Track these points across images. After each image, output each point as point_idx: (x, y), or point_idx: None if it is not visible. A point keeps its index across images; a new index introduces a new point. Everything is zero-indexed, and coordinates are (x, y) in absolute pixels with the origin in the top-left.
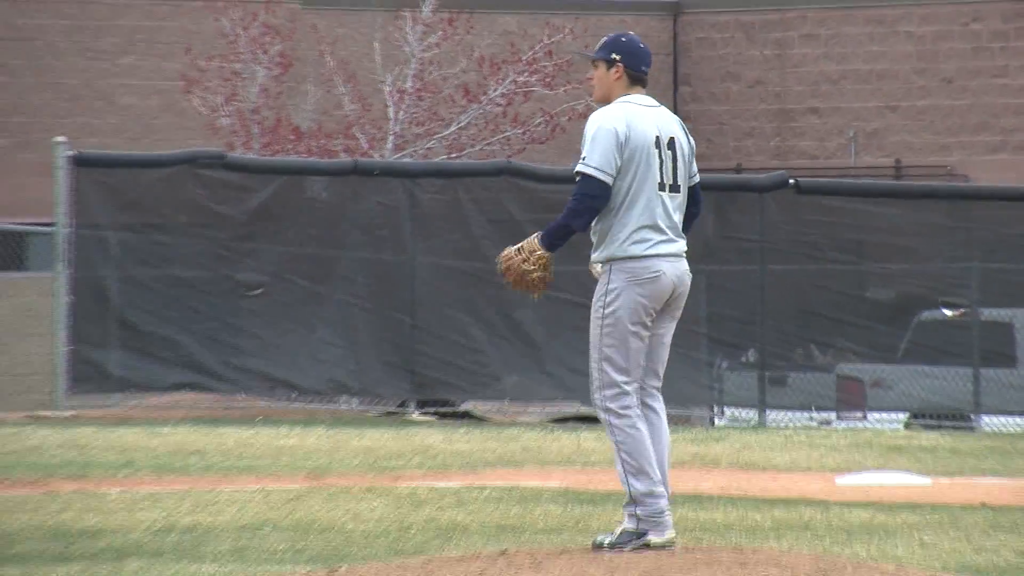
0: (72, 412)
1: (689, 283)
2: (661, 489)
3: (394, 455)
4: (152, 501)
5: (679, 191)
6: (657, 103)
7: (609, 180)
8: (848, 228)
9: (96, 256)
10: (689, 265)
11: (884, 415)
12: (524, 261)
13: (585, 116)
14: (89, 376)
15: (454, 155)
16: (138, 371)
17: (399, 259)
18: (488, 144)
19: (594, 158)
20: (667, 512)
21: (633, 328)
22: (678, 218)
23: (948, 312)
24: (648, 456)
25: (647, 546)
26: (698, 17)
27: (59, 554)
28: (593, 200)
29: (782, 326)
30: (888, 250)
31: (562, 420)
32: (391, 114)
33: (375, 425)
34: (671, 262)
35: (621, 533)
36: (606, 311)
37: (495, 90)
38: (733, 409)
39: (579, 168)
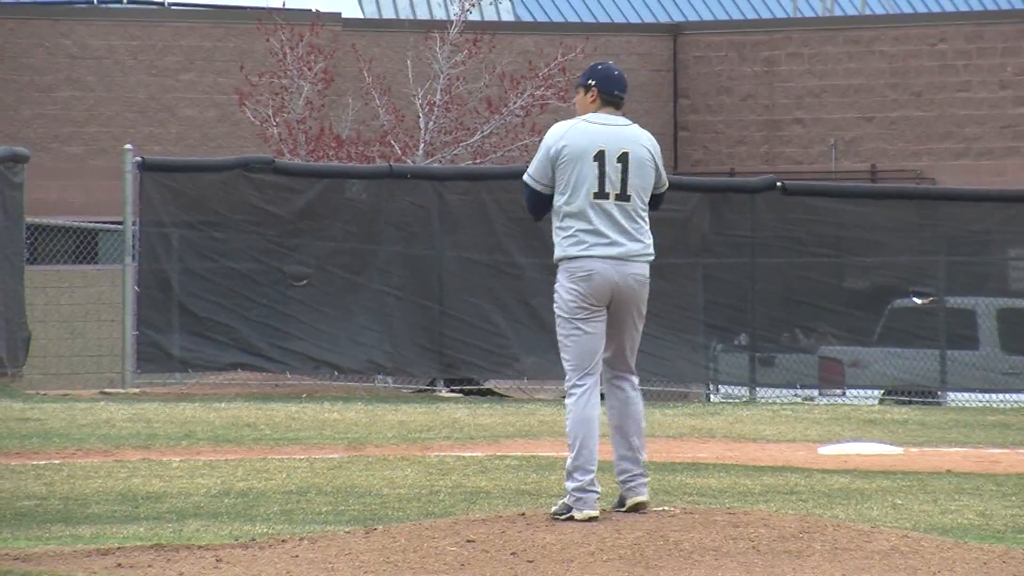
0: (138, 389)
1: (638, 285)
2: (591, 467)
3: (425, 428)
4: (210, 468)
5: (629, 199)
6: (623, 122)
7: (539, 187)
8: (829, 225)
9: (160, 250)
10: (687, 258)
11: (861, 392)
12: None
13: None
14: (153, 357)
15: (478, 161)
16: (197, 352)
17: (429, 253)
18: (509, 151)
19: (530, 168)
20: (591, 491)
21: (573, 321)
22: (629, 224)
23: (918, 300)
24: (584, 436)
25: (572, 519)
26: (695, 37)
27: (127, 515)
28: (528, 201)
29: (770, 312)
30: (864, 245)
31: None
32: (422, 124)
33: (408, 401)
34: (609, 264)
35: (560, 505)
36: (554, 306)
37: (515, 103)
38: (726, 387)
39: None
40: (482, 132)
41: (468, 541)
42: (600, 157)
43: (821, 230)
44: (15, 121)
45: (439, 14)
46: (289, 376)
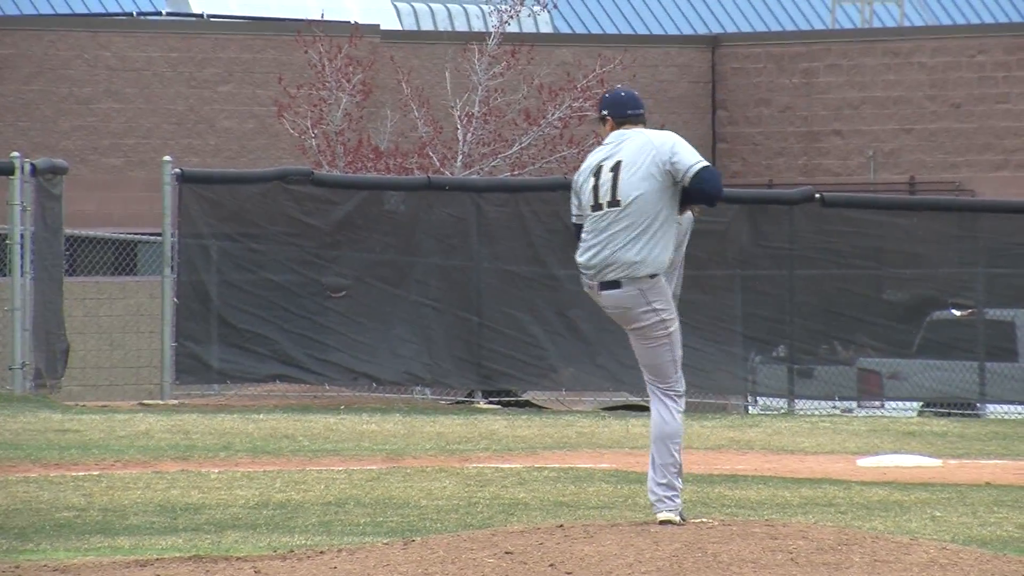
0: (177, 400)
1: (615, 298)
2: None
3: (463, 439)
4: (248, 480)
5: (619, 204)
6: (631, 134)
7: (573, 217)
8: (868, 237)
9: (199, 262)
10: (725, 270)
11: (900, 404)
12: None
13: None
14: (192, 368)
15: (516, 172)
16: (235, 364)
17: (467, 264)
18: (547, 162)
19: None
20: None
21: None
22: (622, 235)
23: (957, 312)
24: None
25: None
26: (734, 49)
27: (166, 526)
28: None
29: (809, 324)
30: (903, 257)
31: (612, 408)
32: (460, 136)
33: (446, 413)
34: (588, 273)
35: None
36: None
37: (553, 114)
38: (765, 399)
39: None
40: (520, 144)
41: (506, 553)
42: (597, 172)
43: (860, 242)
44: (54, 133)
45: (477, 26)
46: (327, 388)
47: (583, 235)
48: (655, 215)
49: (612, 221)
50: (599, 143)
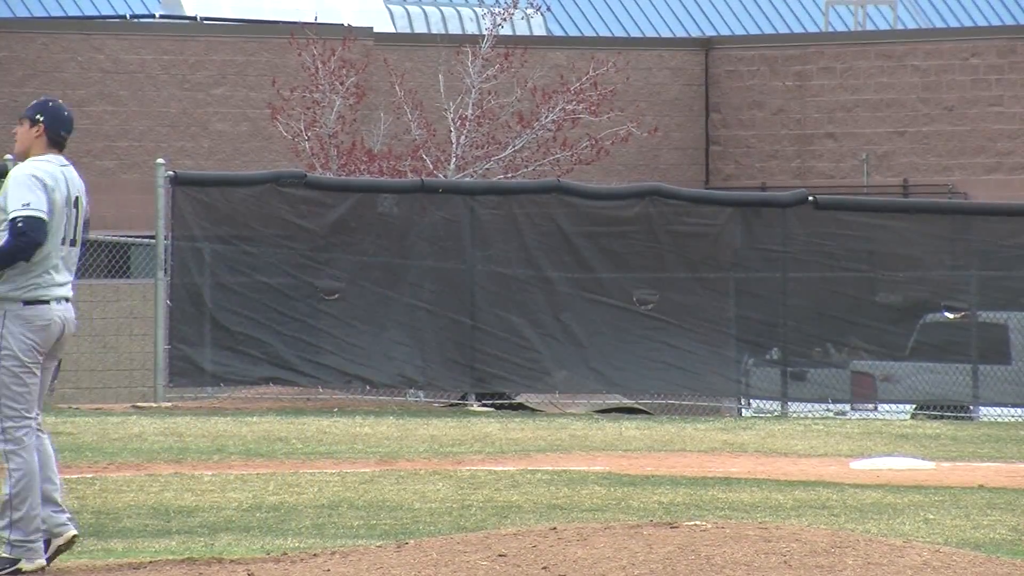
0: (170, 403)
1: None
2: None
3: (456, 442)
4: (241, 482)
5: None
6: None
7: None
8: (861, 240)
9: (192, 265)
10: (718, 273)
11: (893, 406)
12: None
13: (626, 141)
14: (185, 371)
15: (510, 175)
16: (229, 367)
17: (460, 267)
18: (540, 165)
19: None
20: (37, 537)
21: None
22: None
23: (950, 315)
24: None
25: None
26: (727, 52)
27: (159, 529)
28: None
29: (802, 327)
30: (896, 259)
31: (605, 411)
32: (453, 138)
33: (439, 415)
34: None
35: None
36: None
37: (546, 117)
38: (758, 401)
39: None
40: (514, 146)
41: (499, 555)
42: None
43: (853, 244)
44: None
45: (471, 28)
46: (321, 390)
47: None
48: None
49: None
50: (594, 144)
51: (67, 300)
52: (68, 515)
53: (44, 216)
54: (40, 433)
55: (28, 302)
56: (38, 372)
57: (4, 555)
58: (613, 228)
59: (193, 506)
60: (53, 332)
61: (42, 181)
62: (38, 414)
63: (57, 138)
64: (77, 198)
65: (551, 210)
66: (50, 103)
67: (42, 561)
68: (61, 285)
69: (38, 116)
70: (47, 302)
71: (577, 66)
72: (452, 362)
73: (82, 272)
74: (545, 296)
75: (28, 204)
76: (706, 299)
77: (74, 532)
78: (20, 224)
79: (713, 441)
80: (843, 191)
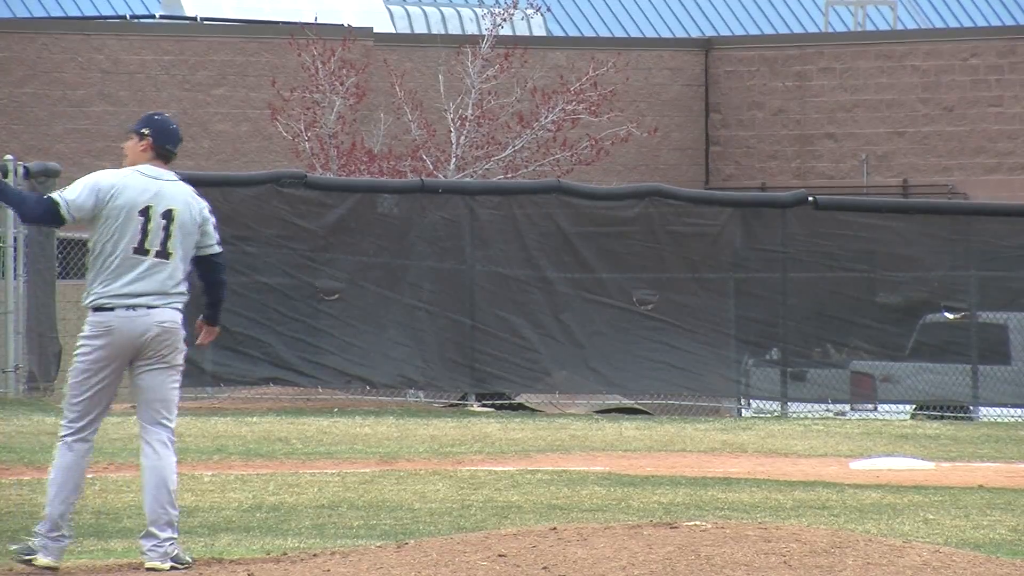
0: None
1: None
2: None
3: (456, 442)
4: (241, 482)
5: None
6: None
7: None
8: (860, 240)
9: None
10: (719, 273)
11: (892, 407)
12: None
13: (626, 141)
14: (185, 371)
15: (509, 175)
16: (229, 367)
17: (460, 267)
18: (540, 165)
19: None
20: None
21: None
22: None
23: (949, 315)
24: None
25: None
26: (727, 52)
27: None
28: None
29: (802, 327)
30: (896, 260)
31: (605, 411)
32: (453, 139)
33: (439, 415)
34: None
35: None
36: None
37: (546, 117)
38: (758, 401)
39: None
40: (513, 146)
41: (499, 555)
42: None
43: (853, 245)
44: (48, 136)
45: (471, 29)
46: (321, 390)
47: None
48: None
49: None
50: (594, 144)
51: (146, 308)
52: (63, 542)
53: (59, 201)
54: (82, 443)
55: (95, 309)
56: (106, 381)
57: (26, 542)
58: (613, 228)
59: (193, 506)
60: (118, 339)
61: (98, 184)
62: (95, 429)
63: (163, 151)
64: (171, 211)
65: (551, 210)
66: (156, 116)
67: (52, 560)
68: (132, 295)
69: (144, 130)
70: (112, 309)
71: (577, 66)
72: (452, 362)
73: (82, 272)
74: (545, 296)
75: (63, 190)
76: (706, 299)
77: (46, 562)
78: (45, 198)
79: (713, 441)
80: (843, 191)
